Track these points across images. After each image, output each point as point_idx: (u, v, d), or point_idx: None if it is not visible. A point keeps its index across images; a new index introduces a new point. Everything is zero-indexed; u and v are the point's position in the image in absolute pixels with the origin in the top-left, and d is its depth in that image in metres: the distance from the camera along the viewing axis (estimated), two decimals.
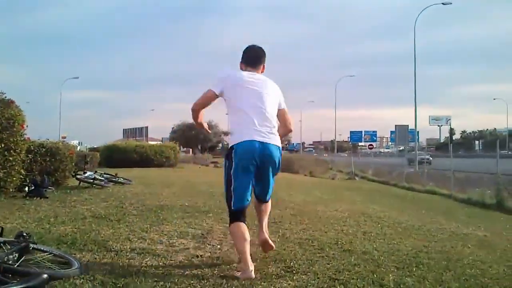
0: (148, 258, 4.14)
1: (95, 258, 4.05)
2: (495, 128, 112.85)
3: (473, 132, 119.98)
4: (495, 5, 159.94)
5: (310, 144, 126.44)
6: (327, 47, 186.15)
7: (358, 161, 42.06)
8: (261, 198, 4.39)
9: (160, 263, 4.02)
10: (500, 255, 5.47)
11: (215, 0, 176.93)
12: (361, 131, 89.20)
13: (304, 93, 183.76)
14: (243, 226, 3.98)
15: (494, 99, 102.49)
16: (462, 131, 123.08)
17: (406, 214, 8.95)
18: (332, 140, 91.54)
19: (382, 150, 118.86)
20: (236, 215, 4.02)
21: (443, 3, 38.47)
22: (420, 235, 6.30)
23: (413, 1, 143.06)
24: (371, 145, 58.94)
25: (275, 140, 4.03)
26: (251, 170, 3.94)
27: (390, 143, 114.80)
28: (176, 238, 5.03)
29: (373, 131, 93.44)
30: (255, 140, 3.88)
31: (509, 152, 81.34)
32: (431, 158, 46.83)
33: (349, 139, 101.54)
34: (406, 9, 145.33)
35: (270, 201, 4.50)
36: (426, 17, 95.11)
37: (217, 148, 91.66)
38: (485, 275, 4.33)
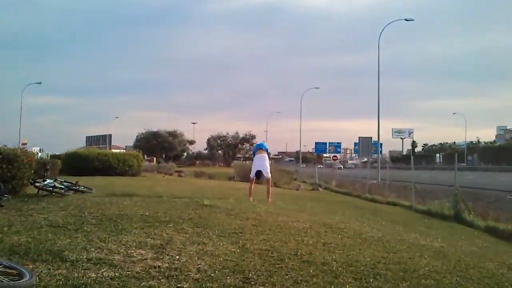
0: (105, 269, 4.07)
1: (49, 269, 3.95)
2: (454, 142, 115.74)
3: (434, 145, 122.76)
4: (455, 23, 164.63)
5: (275, 155, 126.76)
6: (293, 59, 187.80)
7: (322, 172, 42.42)
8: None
9: (117, 274, 3.95)
10: (454, 266, 5.60)
11: (182, 9, 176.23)
12: (326, 143, 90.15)
13: (270, 103, 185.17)
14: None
15: (454, 113, 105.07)
16: (424, 144, 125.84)
17: (367, 225, 9.06)
18: (297, 151, 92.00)
19: (346, 161, 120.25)
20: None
21: (406, 19, 39.48)
22: (379, 246, 6.38)
23: (378, 16, 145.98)
24: (335, 156, 59.47)
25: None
26: None
27: (354, 154, 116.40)
28: (134, 248, 4.95)
29: (338, 143, 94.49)
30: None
31: (467, 165, 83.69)
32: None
33: (313, 150, 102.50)
34: (372, 23, 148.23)
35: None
36: (390, 32, 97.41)
37: (182, 157, 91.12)
38: (439, 285, 4.44)
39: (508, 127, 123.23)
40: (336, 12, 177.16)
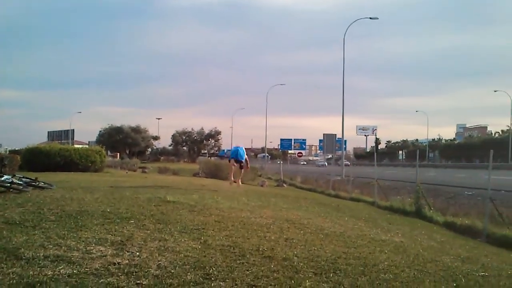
0: (62, 266, 3.99)
1: (2, 268, 3.84)
2: (417, 139, 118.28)
3: (397, 142, 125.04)
4: (420, 23, 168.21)
5: None
6: (259, 55, 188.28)
7: (287, 169, 42.67)
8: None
9: (74, 271, 3.88)
10: (413, 260, 5.71)
11: (149, 3, 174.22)
12: (291, 139, 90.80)
13: (235, 100, 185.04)
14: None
15: (416, 111, 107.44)
16: (387, 141, 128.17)
17: (329, 220, 9.14)
18: (262, 147, 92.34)
19: (311, 158, 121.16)
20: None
21: (370, 18, 40.05)
22: (341, 241, 6.46)
23: (344, 14, 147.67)
24: (300, 153, 59.96)
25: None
26: None
27: (318, 151, 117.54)
28: (94, 244, 4.87)
29: (303, 139, 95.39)
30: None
31: (429, 162, 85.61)
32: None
33: (279, 147, 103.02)
34: (338, 21, 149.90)
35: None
36: (355, 30, 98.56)
37: (146, 153, 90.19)
38: (397, 279, 4.52)
39: (467, 125, 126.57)
40: (302, 10, 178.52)
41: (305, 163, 79.76)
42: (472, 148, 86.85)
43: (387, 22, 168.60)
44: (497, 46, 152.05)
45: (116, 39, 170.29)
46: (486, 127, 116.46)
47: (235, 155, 15.15)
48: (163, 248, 4.94)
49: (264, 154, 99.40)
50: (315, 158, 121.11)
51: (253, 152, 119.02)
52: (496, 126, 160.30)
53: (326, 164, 71.23)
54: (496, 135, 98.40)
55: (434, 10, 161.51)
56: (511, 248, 9.91)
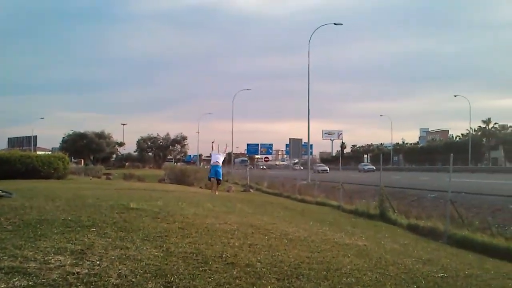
0: (17, 278, 3.86)
1: None
2: (382, 143, 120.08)
3: (362, 146, 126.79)
4: (384, 29, 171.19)
5: (207, 156, 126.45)
6: (225, 60, 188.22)
7: (254, 174, 42.73)
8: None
9: (30, 283, 3.77)
10: (375, 263, 5.78)
11: (111, 7, 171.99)
12: (258, 144, 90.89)
13: (202, 105, 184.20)
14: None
15: (381, 115, 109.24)
16: (352, 145, 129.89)
17: (294, 225, 9.18)
18: (229, 152, 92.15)
19: (277, 162, 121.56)
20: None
21: (335, 23, 40.54)
22: (305, 246, 6.49)
23: (310, 20, 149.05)
24: (266, 157, 60.10)
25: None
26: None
27: (285, 156, 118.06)
28: (52, 254, 4.74)
29: (269, 144, 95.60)
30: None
31: (394, 166, 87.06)
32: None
33: (245, 152, 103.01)
34: (303, 27, 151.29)
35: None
36: (321, 36, 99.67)
37: (111, 159, 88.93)
38: (359, 283, 4.56)
39: (430, 129, 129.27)
40: (269, 15, 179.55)
41: (301, 168, 76.71)
42: (435, 151, 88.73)
43: (352, 27, 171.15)
44: (456, 52, 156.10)
45: (80, 43, 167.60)
46: (448, 130, 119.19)
47: (214, 175, 17.73)
48: (124, 256, 4.85)
49: (243, 158, 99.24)
50: (282, 162, 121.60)
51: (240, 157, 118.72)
52: (457, 130, 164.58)
53: (302, 168, 70.48)
54: (457, 138, 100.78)
55: (397, 16, 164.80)
56: (470, 248, 10.16)
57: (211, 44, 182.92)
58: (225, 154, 19.63)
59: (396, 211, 15.69)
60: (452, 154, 13.36)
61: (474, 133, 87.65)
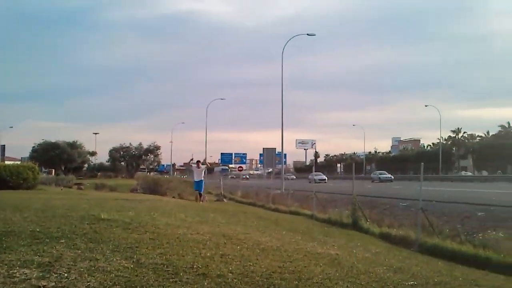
0: None
1: None
2: (354, 152, 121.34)
3: (335, 155, 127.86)
4: (357, 39, 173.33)
5: (181, 166, 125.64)
6: (199, 69, 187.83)
7: (228, 183, 42.61)
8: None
9: None
10: (347, 272, 5.80)
11: (85, 15, 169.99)
12: (232, 153, 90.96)
13: (175, 114, 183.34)
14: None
15: (353, 125, 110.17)
16: (326, 155, 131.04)
17: (267, 235, 9.17)
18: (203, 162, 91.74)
19: (251, 172, 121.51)
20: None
21: (308, 34, 40.84)
22: (277, 255, 6.48)
23: (284, 30, 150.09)
24: (240, 167, 60.04)
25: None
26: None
27: (259, 165, 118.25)
28: (18, 267, 4.62)
29: (243, 154, 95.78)
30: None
31: (367, 175, 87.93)
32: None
33: (219, 161, 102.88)
34: (278, 37, 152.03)
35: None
36: (294, 45, 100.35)
37: (83, 169, 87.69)
38: None
39: (402, 138, 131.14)
40: (243, 25, 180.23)
41: (294, 177, 74.60)
42: (407, 160, 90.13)
43: (325, 38, 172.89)
44: (428, 62, 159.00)
45: (52, 51, 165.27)
46: (419, 140, 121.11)
47: (198, 187, 20.91)
48: (93, 268, 4.76)
49: (223, 167, 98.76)
50: (256, 172, 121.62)
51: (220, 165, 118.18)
52: (428, 139, 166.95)
53: (295, 177, 69.11)
54: (428, 147, 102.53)
55: (370, 27, 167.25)
56: (440, 256, 10.30)
57: (185, 53, 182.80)
58: (205, 166, 23.20)
59: (368, 219, 15.80)
60: (423, 163, 13.57)
61: (444, 142, 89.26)
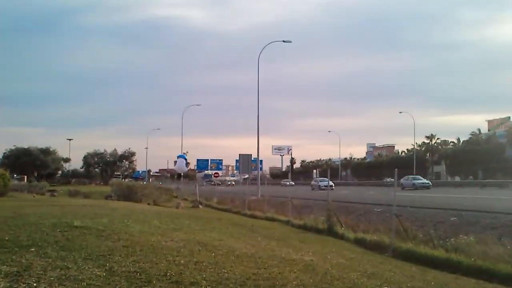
0: None
1: None
2: (330, 158, 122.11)
3: (311, 161, 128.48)
4: (333, 46, 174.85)
5: (156, 172, 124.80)
6: (175, 75, 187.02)
7: (204, 189, 42.44)
8: None
9: None
10: (321, 278, 5.82)
11: (59, 20, 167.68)
12: (208, 160, 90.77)
13: (151, 120, 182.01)
14: None
15: (329, 131, 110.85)
16: (302, 161, 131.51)
17: (242, 241, 9.15)
18: None
19: (227, 178, 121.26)
20: None
21: (283, 41, 41.02)
22: (251, 262, 6.47)
23: (260, 36, 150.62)
24: (216, 173, 59.92)
25: None
26: None
27: (235, 171, 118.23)
28: None
29: (219, 160, 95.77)
30: None
31: (342, 180, 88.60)
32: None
33: (195, 167, 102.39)
34: (254, 43, 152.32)
35: None
36: (270, 52, 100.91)
37: (57, 175, 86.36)
38: None
39: (376, 145, 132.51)
40: (220, 31, 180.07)
41: (293, 183, 72.88)
42: (381, 166, 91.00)
43: (301, 45, 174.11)
44: (402, 70, 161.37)
45: (25, 56, 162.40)
46: (394, 146, 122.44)
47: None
48: (64, 277, 4.68)
49: (206, 173, 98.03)
50: (232, 178, 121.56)
51: (169, 173, 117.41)
52: (402, 145, 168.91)
53: (293, 184, 66.79)
54: (403, 153, 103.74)
55: (345, 34, 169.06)
56: (414, 261, 10.42)
57: (161, 59, 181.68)
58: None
59: (343, 225, 15.89)
60: (396, 169, 13.73)
61: (418, 148, 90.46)
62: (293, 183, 65.32)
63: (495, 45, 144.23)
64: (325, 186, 39.74)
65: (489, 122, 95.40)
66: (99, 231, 7.98)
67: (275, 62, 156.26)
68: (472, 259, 9.86)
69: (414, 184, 47.26)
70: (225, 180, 57.38)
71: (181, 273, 5.21)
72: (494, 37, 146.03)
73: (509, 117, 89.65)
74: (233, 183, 79.06)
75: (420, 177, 50.92)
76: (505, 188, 44.78)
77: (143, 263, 5.60)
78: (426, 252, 11.07)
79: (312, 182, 48.65)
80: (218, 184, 72.53)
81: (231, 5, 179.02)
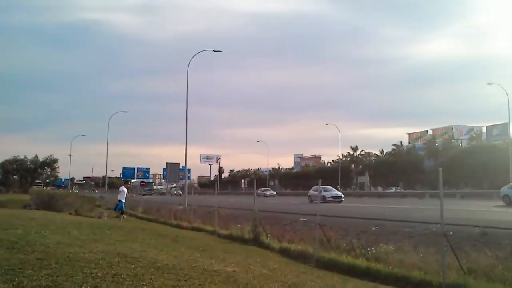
0: None
1: None
2: (259, 168, 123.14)
3: (240, 171, 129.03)
4: (263, 58, 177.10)
5: (80, 180, 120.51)
6: (101, 81, 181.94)
7: (129, 199, 41.40)
8: None
9: None
10: None
11: None
12: (134, 168, 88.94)
13: (75, 126, 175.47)
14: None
15: (258, 141, 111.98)
16: (230, 170, 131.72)
17: (165, 252, 8.97)
18: (103, 176, 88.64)
19: (156, 187, 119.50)
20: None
21: (213, 50, 40.98)
22: (172, 274, 6.34)
23: (190, 44, 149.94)
24: (143, 181, 58.84)
25: None
26: None
27: (162, 180, 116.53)
28: None
29: (146, 168, 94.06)
30: None
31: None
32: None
33: (121, 175, 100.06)
34: (184, 52, 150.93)
35: None
36: (201, 61, 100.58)
37: None
38: None
39: (304, 155, 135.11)
40: (149, 38, 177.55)
41: (274, 193, 69.89)
42: (308, 176, 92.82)
43: (232, 55, 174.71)
44: (328, 83, 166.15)
45: None
46: (320, 157, 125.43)
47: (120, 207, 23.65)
48: None
49: (147, 181, 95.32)
50: (159, 187, 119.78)
51: (93, 181, 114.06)
52: (329, 156, 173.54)
53: (274, 194, 63.98)
54: (329, 164, 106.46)
55: (273, 47, 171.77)
56: (336, 270, 10.64)
57: (87, 63, 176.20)
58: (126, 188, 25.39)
59: (269, 235, 15.98)
60: (320, 179, 14.05)
61: (343, 159, 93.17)
62: (275, 193, 62.38)
63: (417, 62, 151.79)
64: (332, 197, 36.89)
65: (410, 135, 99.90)
66: (11, 243, 7.57)
67: (205, 71, 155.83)
68: (390, 267, 10.20)
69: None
70: (171, 188, 55.33)
71: (97, 286, 5.02)
72: (417, 55, 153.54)
73: (427, 131, 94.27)
74: (180, 192, 74.27)
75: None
76: (423, 198, 47.23)
77: (57, 277, 5.35)
78: (348, 261, 11.33)
79: (311, 192, 38.94)
80: (162, 194, 70.16)
81: (162, 12, 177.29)
